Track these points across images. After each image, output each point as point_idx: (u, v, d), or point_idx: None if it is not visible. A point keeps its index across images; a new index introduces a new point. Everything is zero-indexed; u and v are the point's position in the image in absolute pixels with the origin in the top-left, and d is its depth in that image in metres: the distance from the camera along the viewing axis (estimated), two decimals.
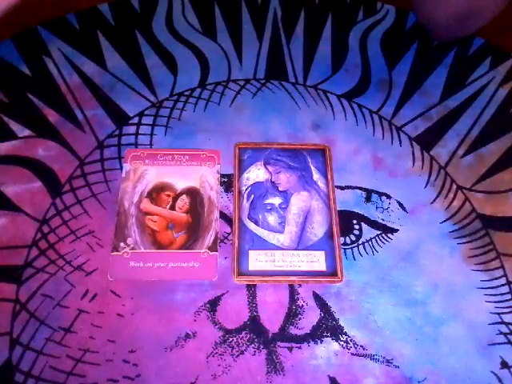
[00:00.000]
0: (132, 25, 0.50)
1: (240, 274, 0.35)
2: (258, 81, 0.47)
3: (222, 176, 0.40)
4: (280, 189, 0.39)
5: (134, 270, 0.35)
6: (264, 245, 0.37)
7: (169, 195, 0.38)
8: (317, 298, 0.35)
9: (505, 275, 0.37)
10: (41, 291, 0.34)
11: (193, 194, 0.39)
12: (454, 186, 0.41)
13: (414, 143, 0.43)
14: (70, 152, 0.41)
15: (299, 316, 0.34)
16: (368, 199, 0.40)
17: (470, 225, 0.39)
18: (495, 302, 0.36)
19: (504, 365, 0.33)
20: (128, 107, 0.44)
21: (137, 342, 0.33)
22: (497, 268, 0.37)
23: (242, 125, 0.43)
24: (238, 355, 0.33)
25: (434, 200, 0.40)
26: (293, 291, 0.35)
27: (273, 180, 0.40)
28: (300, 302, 0.35)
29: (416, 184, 0.41)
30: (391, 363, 0.33)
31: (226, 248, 0.37)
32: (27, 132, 0.41)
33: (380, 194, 0.40)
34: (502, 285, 0.37)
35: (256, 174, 0.40)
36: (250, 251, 0.36)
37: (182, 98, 0.45)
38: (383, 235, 0.38)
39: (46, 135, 0.41)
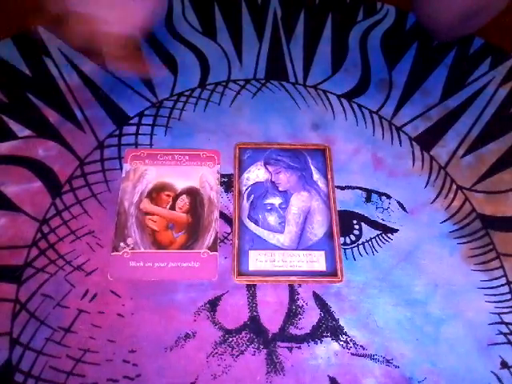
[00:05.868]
0: None
1: (240, 274, 0.35)
2: (258, 81, 0.47)
3: (222, 176, 0.40)
4: (280, 189, 0.39)
5: (134, 270, 0.35)
6: (264, 245, 0.37)
7: (169, 195, 0.38)
8: (317, 298, 0.35)
9: (505, 275, 0.37)
10: (41, 291, 0.34)
11: (193, 194, 0.39)
12: (454, 186, 0.41)
13: (414, 143, 0.43)
14: (70, 152, 0.41)
15: (299, 316, 0.34)
16: (368, 199, 0.40)
17: (469, 225, 0.39)
18: (495, 302, 0.36)
19: (504, 365, 0.33)
20: (128, 107, 0.44)
21: (137, 342, 0.33)
22: (497, 268, 0.37)
23: (242, 125, 0.43)
24: (238, 355, 0.33)
25: (434, 200, 0.40)
26: (293, 291, 0.35)
27: (273, 180, 0.40)
28: (300, 302, 0.35)
29: (416, 184, 0.41)
30: (391, 363, 0.33)
31: (226, 248, 0.37)
32: (27, 132, 0.41)
33: (380, 194, 0.40)
34: (502, 285, 0.37)
35: (256, 174, 0.40)
36: (250, 251, 0.36)
37: (182, 98, 0.45)
38: (383, 235, 0.38)
39: (46, 135, 0.41)
